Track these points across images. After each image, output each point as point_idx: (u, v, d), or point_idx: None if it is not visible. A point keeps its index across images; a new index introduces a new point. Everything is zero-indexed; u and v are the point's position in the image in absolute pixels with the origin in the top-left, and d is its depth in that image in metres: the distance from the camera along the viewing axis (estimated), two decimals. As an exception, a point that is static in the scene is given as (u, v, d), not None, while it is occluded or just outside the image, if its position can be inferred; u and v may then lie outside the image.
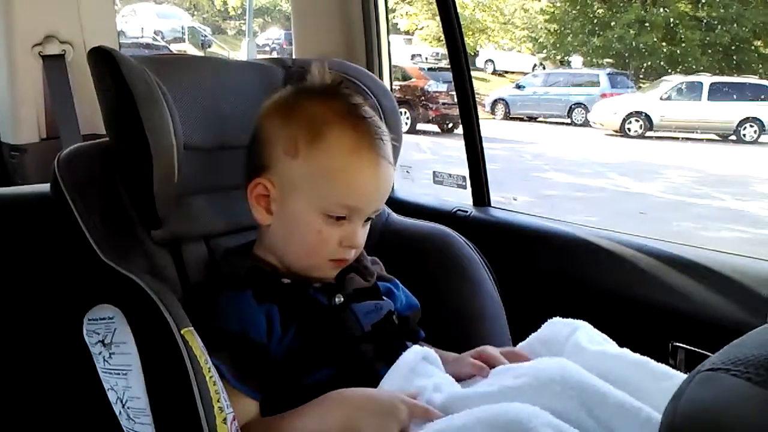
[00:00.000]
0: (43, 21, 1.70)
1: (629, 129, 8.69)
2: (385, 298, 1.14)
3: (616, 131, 8.85)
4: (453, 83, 1.74)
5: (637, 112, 8.72)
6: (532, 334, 1.11)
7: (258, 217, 1.08)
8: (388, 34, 1.95)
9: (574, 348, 1.03)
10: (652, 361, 0.99)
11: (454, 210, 1.72)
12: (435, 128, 9.73)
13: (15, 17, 1.68)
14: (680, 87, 8.75)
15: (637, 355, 1.00)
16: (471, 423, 0.86)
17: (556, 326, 1.10)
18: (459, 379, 1.05)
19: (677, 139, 8.45)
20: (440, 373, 1.04)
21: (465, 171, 1.78)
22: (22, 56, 1.69)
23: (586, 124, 9.93)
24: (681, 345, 1.33)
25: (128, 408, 0.93)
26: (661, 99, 8.65)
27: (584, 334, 1.06)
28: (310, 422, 0.94)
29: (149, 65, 1.09)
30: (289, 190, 1.04)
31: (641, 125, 8.65)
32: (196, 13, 16.87)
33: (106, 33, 1.80)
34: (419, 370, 1.01)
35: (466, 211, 1.70)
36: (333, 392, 0.96)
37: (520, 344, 1.13)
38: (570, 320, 1.09)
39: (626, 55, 10.92)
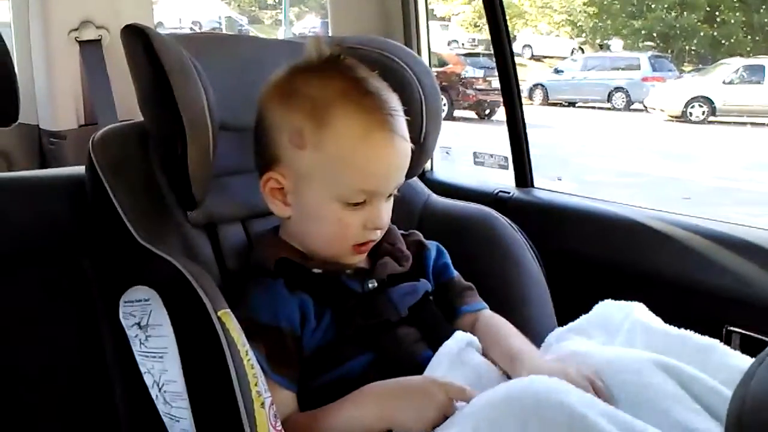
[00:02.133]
0: (79, 6, 1.71)
1: (691, 114, 8.43)
2: (421, 279, 1.11)
3: (674, 116, 8.61)
4: (495, 63, 1.70)
5: (699, 97, 8.45)
6: (583, 316, 1.07)
7: (276, 210, 1.04)
8: (427, 13, 1.91)
9: (636, 327, 0.99)
10: (720, 343, 0.95)
11: (496, 191, 1.67)
12: (472, 114, 9.66)
13: (51, 3, 1.68)
14: (741, 71, 8.46)
15: (705, 338, 0.96)
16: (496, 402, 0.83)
17: (609, 308, 1.06)
18: None
19: (738, 124, 8.20)
20: (482, 360, 1.01)
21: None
22: (59, 42, 1.70)
23: (627, 108, 9.77)
24: (736, 329, 1.28)
25: (165, 392, 0.91)
26: (723, 83, 8.38)
27: (642, 314, 1.02)
28: (346, 417, 0.92)
29: (184, 43, 1.07)
30: (303, 182, 0.99)
31: (704, 110, 8.39)
32: (232, 2, 16.99)
33: (142, 17, 1.79)
34: (462, 358, 0.98)
35: (509, 192, 1.66)
36: (367, 385, 0.93)
37: (570, 325, 1.09)
38: (623, 303, 1.05)
39: (669, 36, 10.71)
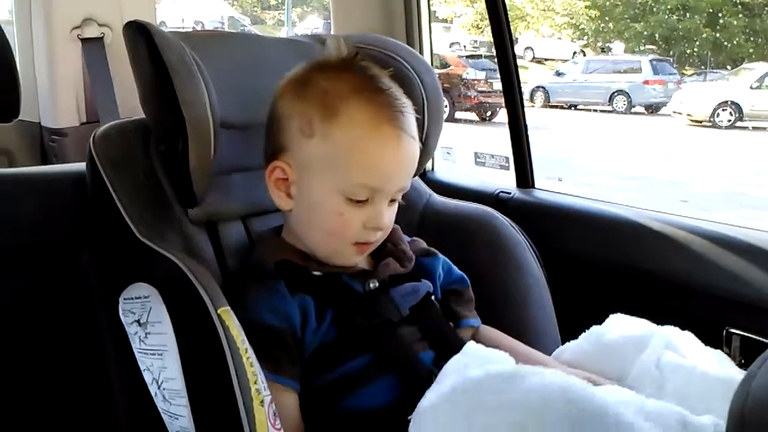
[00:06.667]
0: (82, 4, 1.70)
1: (719, 117, 8.37)
2: (423, 279, 1.10)
3: (696, 121, 8.56)
4: (496, 65, 1.69)
5: (727, 102, 8.39)
6: (589, 338, 1.07)
7: (279, 202, 1.03)
8: (429, 14, 1.91)
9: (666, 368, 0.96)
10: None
11: (497, 191, 1.67)
12: (473, 116, 9.65)
13: (54, 0, 1.68)
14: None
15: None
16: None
17: (620, 340, 1.03)
18: None
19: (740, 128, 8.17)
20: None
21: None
22: (62, 39, 1.69)
23: (628, 111, 9.77)
24: (736, 331, 1.27)
25: (164, 389, 0.91)
26: (751, 88, 8.33)
27: (676, 345, 0.99)
28: None
29: (185, 40, 1.07)
30: (308, 172, 0.99)
31: (731, 115, 8.34)
32: (235, 2, 17.00)
33: (145, 16, 1.78)
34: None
35: (510, 193, 1.65)
36: None
37: (572, 350, 1.08)
38: (637, 335, 1.03)
39: (671, 40, 10.72)
